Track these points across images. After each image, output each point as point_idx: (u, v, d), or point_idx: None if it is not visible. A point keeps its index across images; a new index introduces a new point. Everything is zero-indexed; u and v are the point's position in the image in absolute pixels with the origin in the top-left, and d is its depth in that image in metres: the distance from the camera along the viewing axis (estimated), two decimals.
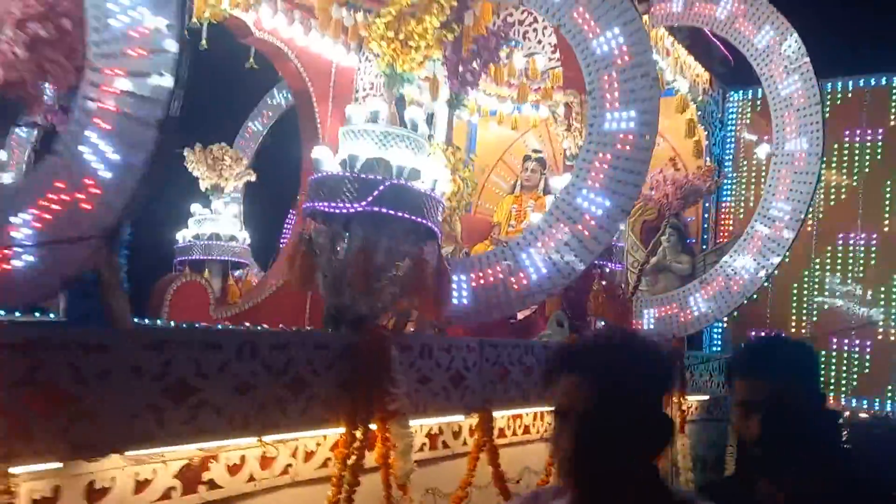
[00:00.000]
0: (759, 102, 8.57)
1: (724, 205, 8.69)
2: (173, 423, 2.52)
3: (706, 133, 8.41)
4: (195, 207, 7.61)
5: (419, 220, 3.55)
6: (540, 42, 6.85)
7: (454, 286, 4.20)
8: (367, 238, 3.47)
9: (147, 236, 7.88)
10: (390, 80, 3.94)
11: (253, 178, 8.15)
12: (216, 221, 7.56)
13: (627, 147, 4.04)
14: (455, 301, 4.11)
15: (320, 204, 3.54)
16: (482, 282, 4.12)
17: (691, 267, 7.45)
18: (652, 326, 6.15)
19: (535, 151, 8.79)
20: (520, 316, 5.66)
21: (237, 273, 7.93)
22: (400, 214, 3.48)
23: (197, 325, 4.10)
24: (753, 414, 1.90)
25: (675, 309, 5.88)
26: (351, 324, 3.51)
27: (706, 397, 7.09)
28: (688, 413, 6.84)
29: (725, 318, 7.30)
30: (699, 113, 8.24)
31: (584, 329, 5.50)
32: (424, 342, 3.58)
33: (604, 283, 5.78)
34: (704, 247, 8.31)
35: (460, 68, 4.22)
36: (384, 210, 3.44)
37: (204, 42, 6.87)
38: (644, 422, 1.49)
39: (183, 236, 7.54)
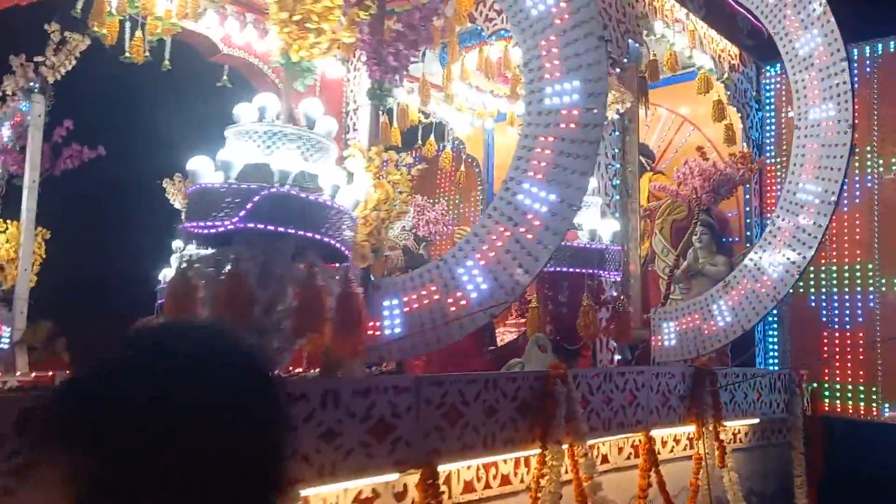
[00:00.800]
0: None
1: (769, 194, 7.71)
2: None
3: (740, 115, 7.50)
4: (177, 244, 7.16)
5: (313, 235, 2.91)
6: None
7: (387, 312, 3.54)
8: (240, 260, 2.84)
9: (128, 276, 7.58)
10: (288, 70, 3.33)
11: None
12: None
13: (572, 125, 3.30)
14: (388, 331, 3.45)
15: (191, 224, 2.94)
16: (415, 306, 3.45)
17: (728, 269, 6.51)
18: (672, 343, 5.31)
19: None
20: (500, 341, 4.93)
21: None
22: (283, 230, 2.84)
23: None
24: None
25: (696, 320, 5.03)
26: None
27: (756, 420, 6.14)
28: (733, 441, 5.93)
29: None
30: (728, 93, 7.34)
31: (576, 353, 4.73)
32: (328, 388, 2.90)
33: (614, 295, 5.01)
34: (748, 244, 7.36)
35: (382, 52, 3.59)
36: (260, 226, 2.81)
37: (167, 62, 6.50)
38: None
39: (164, 275, 7.09)
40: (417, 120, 8.16)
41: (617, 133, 5.77)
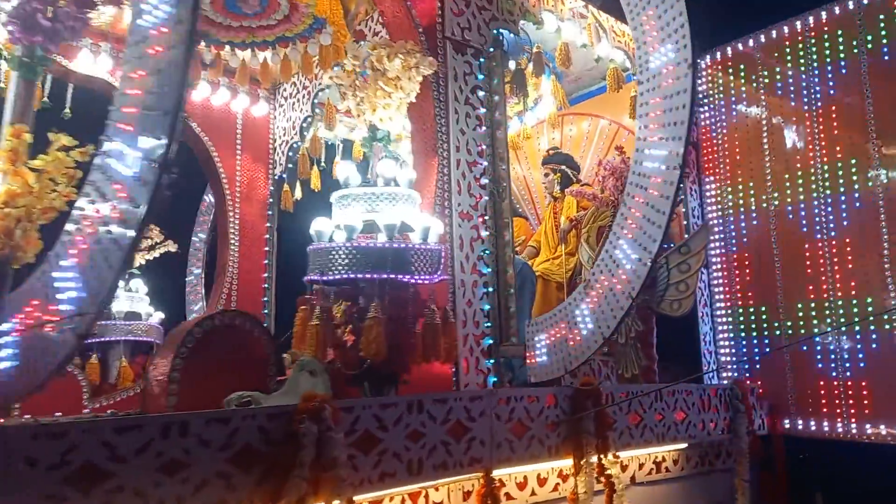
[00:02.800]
0: (730, 65, 6.05)
1: (707, 191, 6.09)
2: None
3: None
4: None
5: None
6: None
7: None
8: None
9: None
10: None
11: (173, 248, 6.66)
12: (117, 299, 6.07)
13: None
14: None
15: None
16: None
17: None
18: (544, 359, 3.80)
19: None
20: None
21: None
22: None
23: None
24: None
25: (563, 330, 3.54)
26: None
27: (683, 445, 4.48)
28: (655, 471, 4.31)
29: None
30: None
31: (390, 378, 3.30)
32: None
33: (426, 306, 3.59)
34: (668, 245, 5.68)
35: (27, 10, 2.42)
36: None
37: (68, 111, 5.57)
38: None
39: None
40: (361, 154, 6.96)
41: (484, 128, 4.39)
